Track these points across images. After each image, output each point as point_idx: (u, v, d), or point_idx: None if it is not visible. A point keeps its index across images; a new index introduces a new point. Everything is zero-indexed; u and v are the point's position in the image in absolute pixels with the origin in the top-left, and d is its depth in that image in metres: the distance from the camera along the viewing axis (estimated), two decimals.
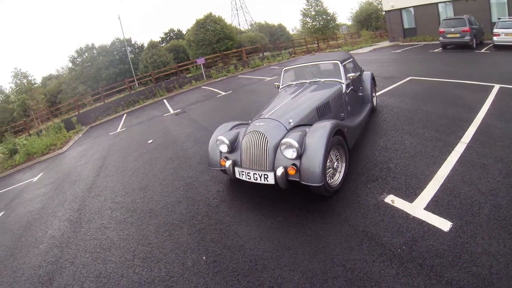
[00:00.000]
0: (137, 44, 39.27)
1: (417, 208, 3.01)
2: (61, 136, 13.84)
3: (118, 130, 12.13)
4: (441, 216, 2.83)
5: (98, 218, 4.44)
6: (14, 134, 17.90)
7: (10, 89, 27.82)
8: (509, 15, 16.13)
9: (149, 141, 8.08)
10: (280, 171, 3.16)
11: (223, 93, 13.44)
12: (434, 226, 2.72)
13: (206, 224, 3.43)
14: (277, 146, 3.33)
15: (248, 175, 3.40)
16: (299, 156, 3.16)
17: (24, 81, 26.21)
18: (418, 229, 2.73)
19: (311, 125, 3.51)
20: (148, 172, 5.72)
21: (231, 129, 4.14)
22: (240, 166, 3.57)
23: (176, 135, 8.02)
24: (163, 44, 37.72)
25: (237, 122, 4.36)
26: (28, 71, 39.52)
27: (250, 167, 3.46)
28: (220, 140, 3.78)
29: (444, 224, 2.72)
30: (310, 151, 3.14)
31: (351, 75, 5.00)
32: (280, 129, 3.50)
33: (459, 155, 3.94)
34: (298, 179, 3.17)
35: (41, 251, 3.97)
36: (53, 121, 16.84)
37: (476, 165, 3.63)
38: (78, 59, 37.84)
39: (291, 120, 3.66)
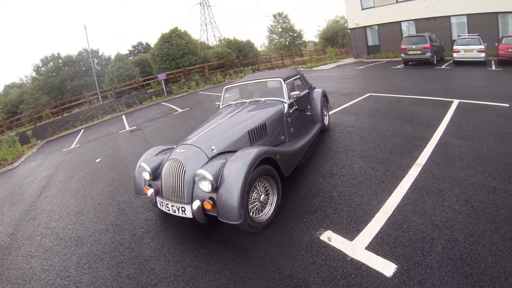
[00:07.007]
0: (104, 56, 37.97)
1: (357, 248, 2.56)
2: (14, 151, 12.74)
3: (72, 146, 11.44)
4: (384, 257, 2.38)
5: (27, 245, 4.05)
6: None
7: None
8: (468, 33, 16.57)
9: (97, 160, 7.64)
10: (196, 204, 2.79)
11: (180, 110, 13.11)
12: (375, 271, 2.27)
13: (126, 257, 3.20)
14: (195, 177, 2.95)
15: (167, 207, 3.11)
16: (216, 189, 2.79)
17: None
18: (355, 275, 2.27)
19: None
20: (87, 194, 5.37)
21: (157, 154, 3.81)
22: (162, 196, 3.25)
23: (124, 155, 7.64)
24: (131, 57, 36.55)
25: (166, 147, 4.05)
26: None
27: (169, 197, 3.15)
28: (142, 167, 3.46)
29: (387, 268, 2.27)
30: (227, 184, 2.73)
31: (294, 93, 4.45)
32: (201, 157, 3.11)
33: (412, 180, 3.53)
34: (216, 215, 2.80)
35: None
36: (7, 134, 15.60)
37: (431, 192, 3.23)
38: (42, 68, 35.38)
39: (213, 147, 3.25)
